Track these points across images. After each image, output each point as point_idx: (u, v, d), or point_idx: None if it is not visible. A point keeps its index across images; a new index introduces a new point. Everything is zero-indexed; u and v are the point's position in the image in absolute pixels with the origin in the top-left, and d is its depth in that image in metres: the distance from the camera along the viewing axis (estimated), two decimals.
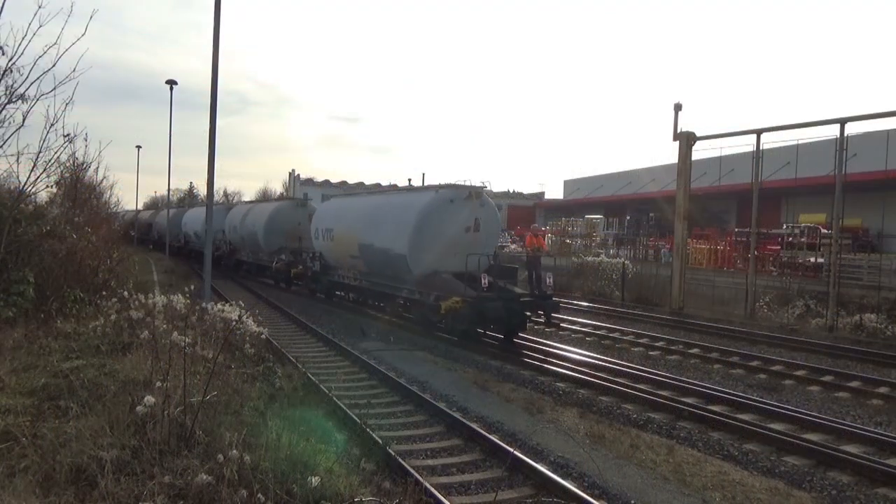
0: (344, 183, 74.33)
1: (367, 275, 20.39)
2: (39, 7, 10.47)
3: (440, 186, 18.23)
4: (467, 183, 18.48)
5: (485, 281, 15.69)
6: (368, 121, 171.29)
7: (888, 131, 32.44)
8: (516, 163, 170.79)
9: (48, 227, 13.73)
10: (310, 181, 75.34)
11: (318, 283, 24.75)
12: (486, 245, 17.89)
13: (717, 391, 11.75)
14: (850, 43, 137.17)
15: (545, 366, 13.69)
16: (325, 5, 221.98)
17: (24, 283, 11.96)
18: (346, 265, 21.87)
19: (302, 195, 50.53)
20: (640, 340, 17.62)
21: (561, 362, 14.17)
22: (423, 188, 20.16)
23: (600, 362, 14.23)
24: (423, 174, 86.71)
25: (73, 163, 17.50)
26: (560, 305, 17.80)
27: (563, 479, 7.32)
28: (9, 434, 6.18)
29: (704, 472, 8.01)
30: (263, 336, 12.11)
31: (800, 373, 13.91)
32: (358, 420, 8.70)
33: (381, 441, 7.99)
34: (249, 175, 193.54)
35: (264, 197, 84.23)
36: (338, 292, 24.57)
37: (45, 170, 12.63)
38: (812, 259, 29.19)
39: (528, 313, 16.74)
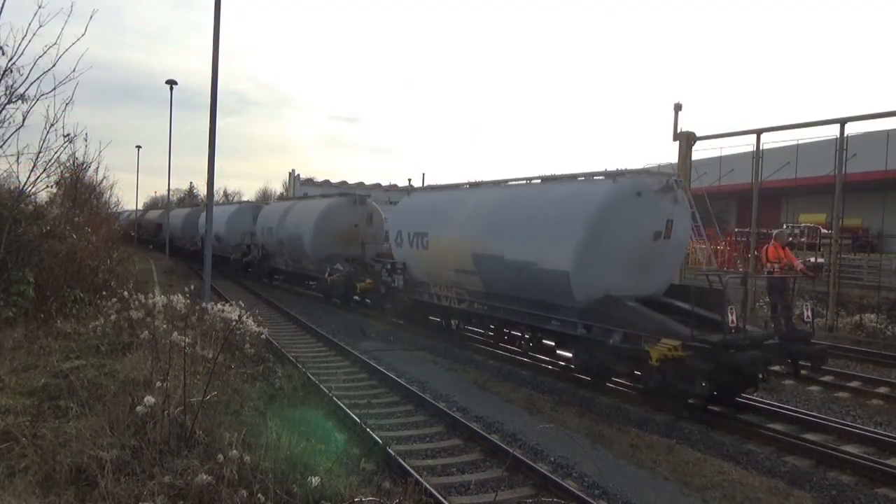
0: (344, 183, 74.21)
1: (485, 297, 14.66)
2: (39, 7, 10.51)
3: (616, 173, 12.49)
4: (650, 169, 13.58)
5: (732, 317, 10.03)
6: (368, 121, 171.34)
7: (888, 131, 32.41)
8: (516, 163, 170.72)
9: (48, 227, 13.74)
10: (310, 181, 75.22)
11: (399, 302, 18.62)
12: (673, 258, 12.81)
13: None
14: (850, 43, 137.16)
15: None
16: (325, 5, 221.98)
17: (24, 283, 11.96)
18: (446, 282, 15.97)
19: (302, 195, 49.75)
20: None
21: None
22: (588, 176, 13.14)
23: None
24: (423, 174, 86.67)
25: (73, 163, 17.56)
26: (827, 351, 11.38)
27: (562, 479, 7.32)
28: (9, 434, 6.19)
29: (704, 472, 8.01)
30: (263, 336, 12.13)
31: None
32: (358, 420, 8.71)
33: (381, 441, 7.99)
34: (249, 175, 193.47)
35: (263, 196, 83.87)
36: (434, 317, 18.19)
37: (45, 170, 12.68)
38: (812, 259, 29.19)
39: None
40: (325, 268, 23.53)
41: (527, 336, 13.94)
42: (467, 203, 15.66)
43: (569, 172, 13.87)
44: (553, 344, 13.45)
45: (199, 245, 40.34)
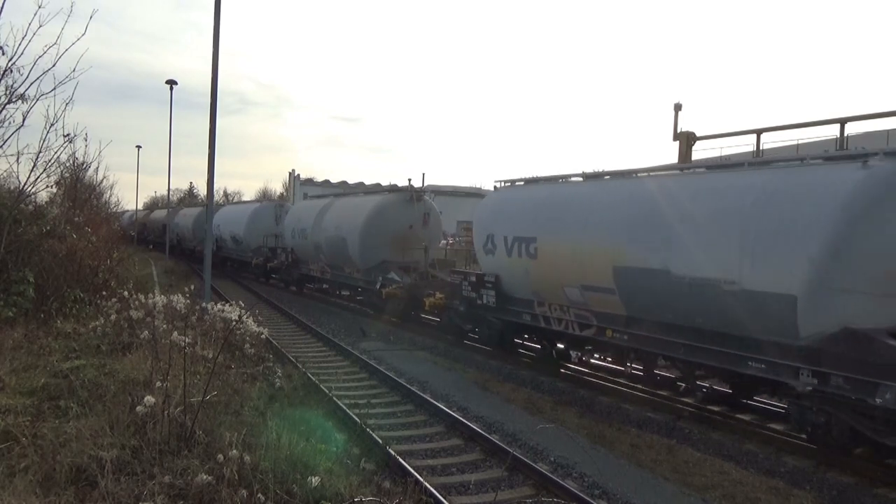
0: (344, 183, 74.29)
1: (625, 322, 11.04)
2: (39, 7, 10.52)
3: (861, 154, 8.64)
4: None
5: None
6: (368, 121, 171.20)
7: (888, 131, 32.43)
8: (516, 162, 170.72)
9: (48, 227, 13.74)
10: (310, 181, 75.28)
11: (486, 324, 14.77)
12: None
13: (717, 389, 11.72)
14: (850, 43, 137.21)
15: None
16: (326, 6, 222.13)
17: (24, 283, 11.96)
18: (562, 301, 12.39)
19: (302, 195, 49.11)
20: None
21: None
22: (810, 158, 9.35)
23: None
24: (423, 174, 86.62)
25: (73, 163, 17.62)
26: None
27: (562, 479, 7.33)
28: (9, 434, 6.19)
29: (704, 472, 8.01)
30: (263, 336, 12.12)
31: None
32: (358, 420, 8.71)
33: (381, 441, 8.00)
34: (249, 175, 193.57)
35: (264, 196, 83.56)
36: (533, 343, 14.99)
37: (45, 170, 12.70)
38: None
39: None
40: (374, 277, 19.71)
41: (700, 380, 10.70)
42: (598, 199, 11.89)
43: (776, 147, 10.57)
44: (732, 392, 10.67)
45: (214, 248, 35.21)
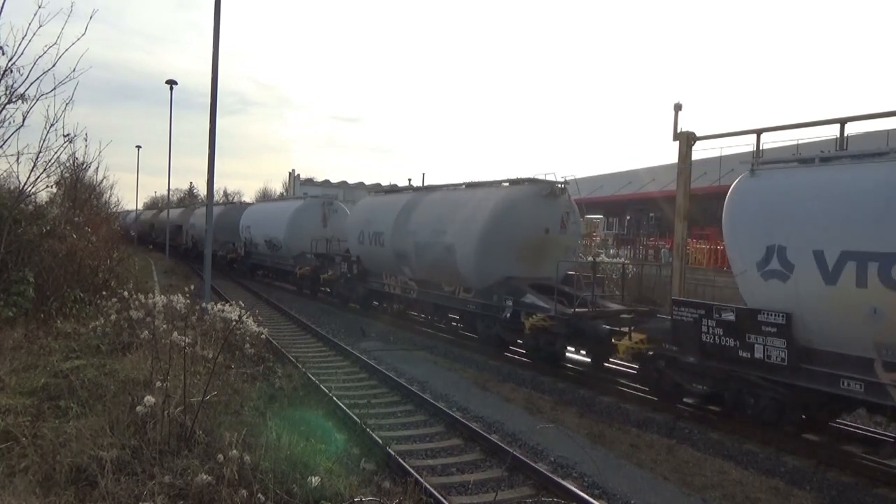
0: (344, 183, 74.35)
1: None
2: (39, 7, 10.51)
3: None
4: None
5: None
6: (369, 121, 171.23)
7: (888, 131, 32.42)
8: (516, 162, 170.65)
9: (48, 227, 13.74)
10: (310, 181, 75.34)
11: (772, 401, 9.33)
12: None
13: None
14: (850, 43, 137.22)
15: None
16: (326, 6, 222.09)
17: (24, 283, 11.96)
18: None
19: (302, 195, 48.14)
20: None
21: None
22: None
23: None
24: (423, 174, 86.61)
25: (73, 163, 17.61)
26: None
27: (562, 478, 7.33)
28: (9, 434, 6.19)
29: (704, 472, 8.01)
30: (263, 336, 12.11)
31: None
32: (358, 420, 8.71)
33: (380, 441, 8.00)
34: (249, 175, 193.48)
35: (264, 195, 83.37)
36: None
37: (45, 170, 12.70)
38: None
39: None
40: (499, 301, 14.48)
41: None
42: None
43: None
44: None
45: (241, 253, 32.60)
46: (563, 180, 15.39)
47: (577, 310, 12.75)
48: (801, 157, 10.57)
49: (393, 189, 21.74)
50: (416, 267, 17.60)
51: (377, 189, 22.70)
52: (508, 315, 14.29)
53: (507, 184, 15.97)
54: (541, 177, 15.32)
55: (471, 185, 17.21)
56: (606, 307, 13.48)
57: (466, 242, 15.24)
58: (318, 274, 24.37)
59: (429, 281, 17.27)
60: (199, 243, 38.49)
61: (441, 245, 16.18)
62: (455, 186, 17.89)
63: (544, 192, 15.07)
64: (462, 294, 16.03)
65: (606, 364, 13.47)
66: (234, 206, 39.51)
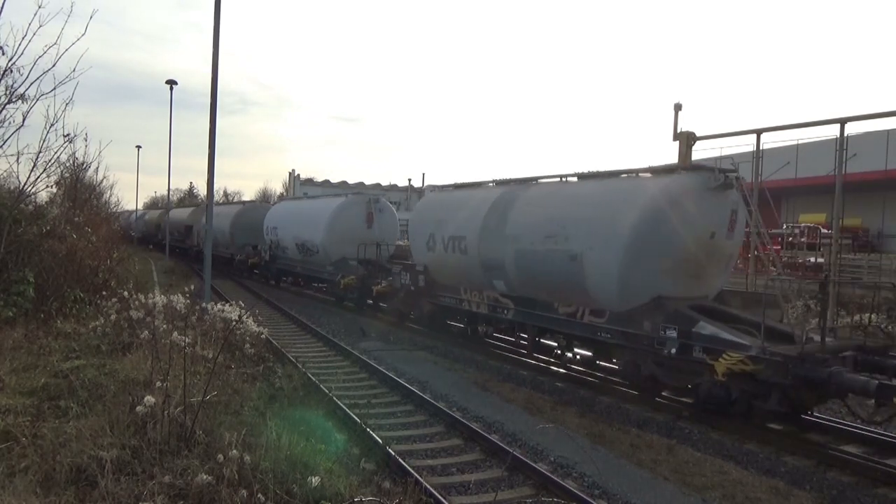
0: (344, 183, 74.23)
1: None
2: (39, 7, 10.53)
3: None
4: None
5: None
6: (369, 121, 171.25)
7: (888, 131, 32.41)
8: (516, 162, 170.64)
9: (48, 227, 13.76)
10: (310, 181, 75.28)
11: None
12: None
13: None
14: (850, 43, 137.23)
15: None
16: (326, 6, 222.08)
17: (24, 283, 11.97)
18: None
19: (302, 195, 47.37)
20: None
21: None
22: None
23: None
24: (424, 174, 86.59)
25: (73, 163, 17.63)
26: None
27: (562, 479, 7.33)
28: (9, 434, 6.19)
29: (704, 472, 8.01)
30: (263, 336, 12.13)
31: None
32: (358, 420, 8.71)
33: (381, 441, 8.00)
34: (249, 175, 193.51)
35: (264, 196, 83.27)
36: None
37: (45, 170, 12.72)
38: (812, 259, 29.19)
39: None
40: (652, 329, 10.79)
41: None
42: None
43: None
44: None
45: (266, 257, 28.95)
46: (733, 167, 11.75)
47: (803, 347, 8.97)
48: None
49: (470, 183, 17.00)
50: (515, 280, 13.64)
51: (447, 185, 17.89)
52: (673, 350, 10.39)
53: (648, 174, 11.96)
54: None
55: (595, 176, 13.01)
56: (820, 341, 9.52)
57: (604, 251, 11.25)
58: (366, 284, 20.72)
59: (533, 299, 13.41)
60: (214, 245, 34.25)
61: (559, 254, 12.14)
62: (564, 177, 13.77)
63: (712, 183, 11.16)
64: (588, 318, 12.02)
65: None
66: (254, 205, 35.88)
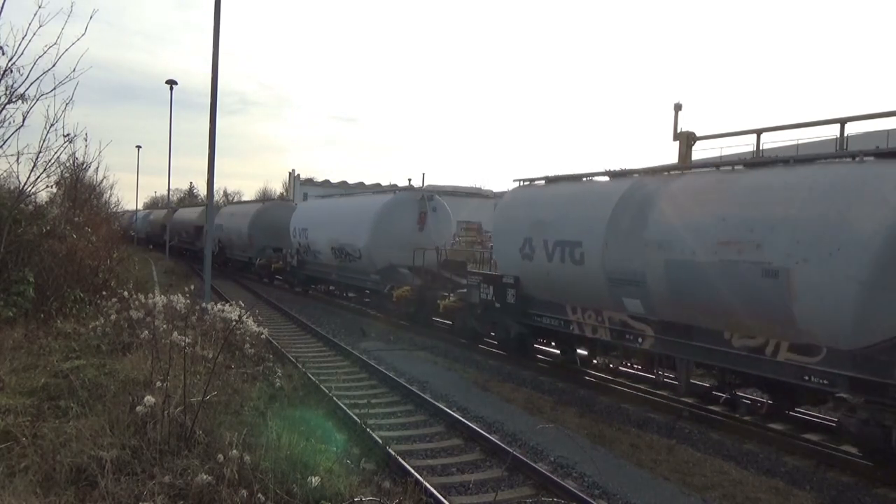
0: (344, 183, 74.23)
1: None
2: (39, 7, 10.53)
3: None
4: None
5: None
6: (368, 120, 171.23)
7: (888, 131, 32.44)
8: (516, 162, 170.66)
9: (48, 227, 13.75)
10: (310, 181, 75.28)
11: None
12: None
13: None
14: (850, 43, 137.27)
15: None
16: (326, 6, 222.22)
17: (24, 283, 11.96)
18: None
19: (302, 195, 46.79)
20: None
21: None
22: None
23: None
24: (423, 174, 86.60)
25: (73, 163, 17.61)
26: None
27: (562, 479, 7.33)
28: (9, 434, 6.19)
29: (704, 472, 8.01)
30: (263, 336, 12.12)
31: None
32: (358, 420, 8.71)
33: (381, 441, 8.00)
34: (249, 175, 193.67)
35: (264, 195, 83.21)
36: None
37: (45, 170, 12.72)
38: None
39: None
40: None
41: None
42: None
43: None
44: None
45: (292, 262, 26.14)
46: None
47: None
48: None
49: (569, 176, 13.75)
50: (658, 300, 10.50)
51: (535, 178, 14.63)
52: None
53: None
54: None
55: (802, 161, 9.57)
56: None
57: (827, 265, 8.09)
58: (425, 297, 17.82)
59: (687, 325, 10.21)
60: (228, 248, 33.27)
61: (745, 267, 8.97)
62: (733, 164, 10.75)
63: None
64: (787, 355, 8.82)
65: None
66: (277, 204, 33.24)
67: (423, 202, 20.30)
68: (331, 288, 25.62)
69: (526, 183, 14.83)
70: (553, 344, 14.48)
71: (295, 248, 25.99)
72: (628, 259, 10.87)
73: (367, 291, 21.61)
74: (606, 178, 12.80)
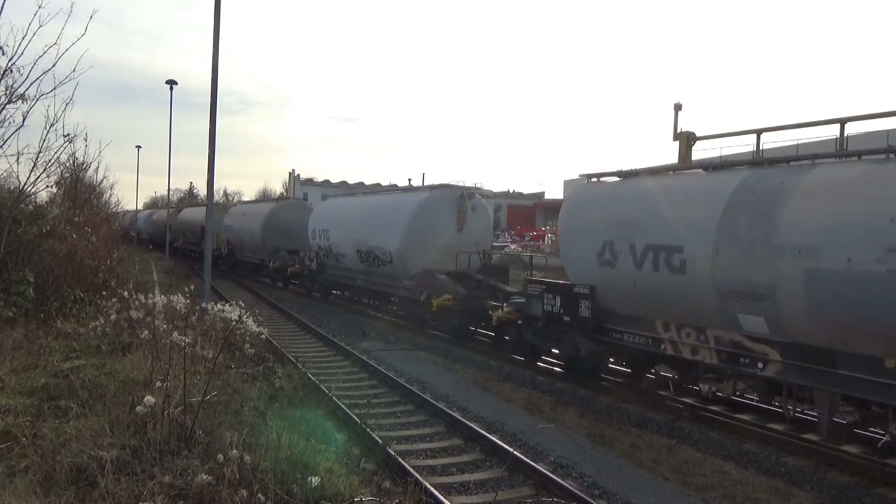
0: (344, 183, 74.24)
1: None
2: (39, 7, 10.53)
3: None
4: None
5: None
6: (368, 120, 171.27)
7: (888, 131, 32.43)
8: (516, 162, 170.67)
9: (48, 227, 13.75)
10: (310, 181, 75.28)
11: None
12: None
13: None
14: (850, 43, 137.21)
15: None
16: (326, 6, 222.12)
17: (24, 283, 11.96)
18: None
19: (302, 195, 46.84)
20: None
21: None
22: None
23: None
24: (423, 174, 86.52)
25: (73, 163, 17.62)
26: None
27: (562, 478, 7.32)
28: (9, 434, 6.19)
29: (704, 472, 8.01)
30: (263, 336, 12.11)
31: None
32: (358, 420, 8.71)
33: (380, 441, 8.00)
34: (249, 175, 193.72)
35: (264, 194, 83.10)
36: None
37: (45, 170, 12.72)
38: None
39: None
40: None
41: None
42: None
43: None
44: None
45: (311, 265, 24.34)
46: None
47: None
48: None
49: (651, 169, 12.16)
50: (792, 317, 8.66)
51: (604, 172, 12.76)
52: None
53: None
54: None
55: None
56: None
57: None
58: (471, 307, 16.03)
59: (832, 350, 8.35)
60: (237, 250, 31.78)
61: None
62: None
63: None
64: None
65: None
66: (292, 204, 31.09)
67: (462, 200, 18.02)
68: (346, 294, 23.92)
69: (594, 179, 12.87)
70: (624, 363, 12.72)
71: (314, 250, 24.14)
72: (749, 267, 9.02)
73: (394, 299, 19.59)
74: (701, 170, 11.04)
